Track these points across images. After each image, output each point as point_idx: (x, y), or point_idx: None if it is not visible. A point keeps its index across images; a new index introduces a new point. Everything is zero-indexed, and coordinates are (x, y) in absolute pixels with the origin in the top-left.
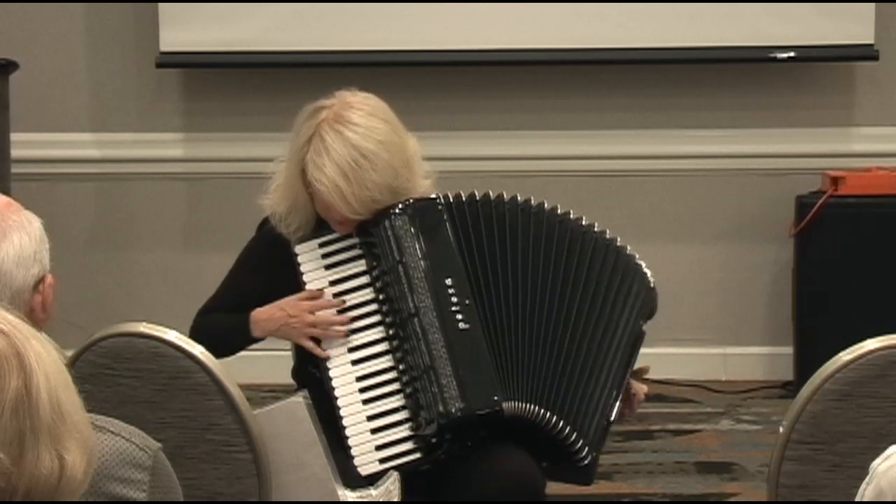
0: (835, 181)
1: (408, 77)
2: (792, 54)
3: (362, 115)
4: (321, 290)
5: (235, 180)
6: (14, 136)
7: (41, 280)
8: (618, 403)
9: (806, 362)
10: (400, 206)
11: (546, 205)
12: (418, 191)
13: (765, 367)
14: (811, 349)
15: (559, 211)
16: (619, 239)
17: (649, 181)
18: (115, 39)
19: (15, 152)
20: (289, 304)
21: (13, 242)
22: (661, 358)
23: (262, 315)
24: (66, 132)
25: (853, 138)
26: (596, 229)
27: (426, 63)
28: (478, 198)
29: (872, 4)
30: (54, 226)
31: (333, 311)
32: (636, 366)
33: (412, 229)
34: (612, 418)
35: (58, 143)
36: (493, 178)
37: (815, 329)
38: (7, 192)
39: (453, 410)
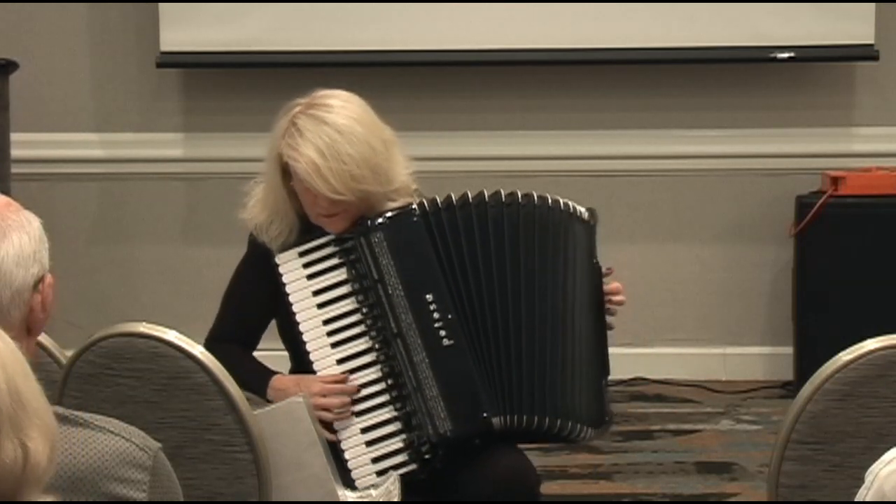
0: (835, 181)
1: (407, 77)
2: (792, 54)
3: (335, 100)
4: (345, 376)
5: (235, 180)
6: (14, 136)
7: (41, 280)
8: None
9: (806, 362)
10: (377, 220)
11: (519, 195)
12: (398, 179)
13: (765, 367)
14: (811, 349)
15: (536, 198)
16: (575, 209)
17: (649, 181)
18: (115, 39)
19: (15, 152)
20: (305, 381)
21: (13, 242)
22: (661, 358)
23: (279, 384)
24: (66, 132)
25: (853, 138)
26: (561, 206)
27: (426, 63)
28: (454, 201)
29: (872, 4)
30: (54, 226)
31: (346, 396)
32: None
33: (388, 245)
34: (607, 378)
35: (58, 143)
36: (493, 178)
37: (815, 329)
38: (7, 192)
39: (442, 432)
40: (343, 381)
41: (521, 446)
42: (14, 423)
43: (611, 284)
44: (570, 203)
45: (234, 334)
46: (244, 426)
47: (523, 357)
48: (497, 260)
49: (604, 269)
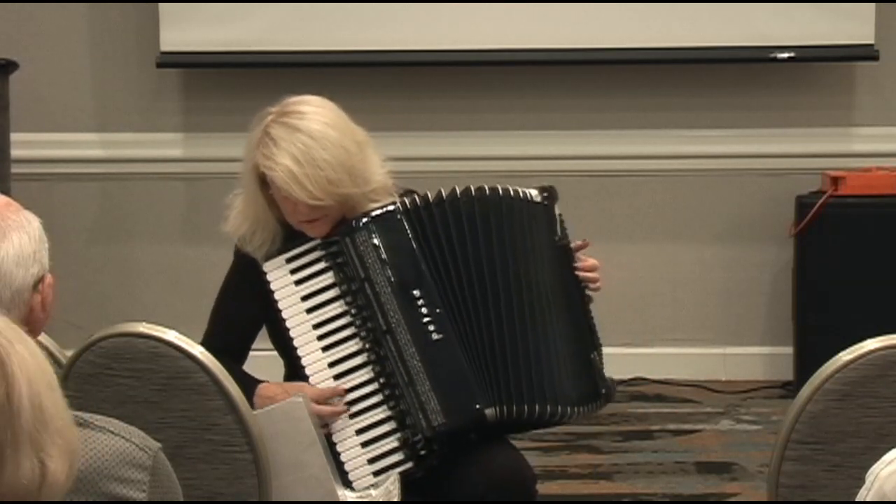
0: (835, 181)
1: (407, 77)
2: (792, 54)
3: (306, 106)
4: (334, 389)
5: (235, 180)
6: (14, 136)
7: (41, 280)
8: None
9: (806, 362)
10: (362, 220)
11: (486, 189)
12: (375, 179)
13: (765, 367)
14: (811, 349)
15: (500, 190)
16: (528, 194)
17: (649, 181)
18: (115, 39)
19: (15, 152)
20: (293, 388)
21: (13, 242)
22: (661, 358)
23: (266, 392)
24: (66, 132)
25: (853, 138)
26: (521, 195)
27: (426, 63)
28: (431, 199)
29: (872, 4)
30: (54, 226)
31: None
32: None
33: (374, 244)
34: (599, 352)
35: (58, 143)
36: (492, 178)
37: (815, 329)
38: (7, 192)
39: (436, 425)
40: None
41: (521, 445)
42: (34, 442)
43: (585, 262)
44: (523, 190)
45: (222, 347)
46: (244, 426)
47: (507, 347)
48: (474, 253)
49: (579, 242)
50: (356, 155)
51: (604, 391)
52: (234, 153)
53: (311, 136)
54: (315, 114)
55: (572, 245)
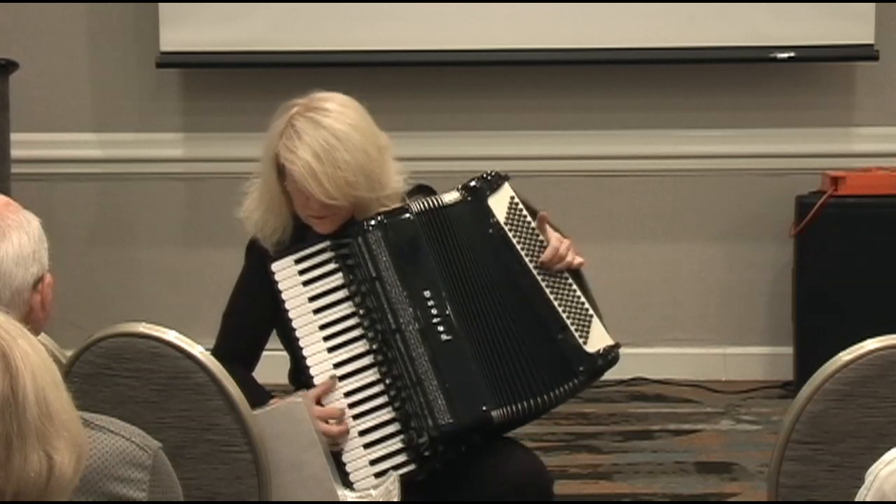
0: (835, 181)
1: (407, 77)
2: (792, 54)
3: (333, 103)
4: (341, 410)
5: (235, 180)
6: (14, 136)
7: (40, 279)
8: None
9: (806, 362)
10: (372, 221)
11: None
12: (391, 184)
13: (765, 367)
14: (811, 349)
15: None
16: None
17: (649, 181)
18: (115, 39)
19: (15, 152)
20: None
21: (12, 242)
22: (661, 358)
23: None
24: (66, 132)
25: (853, 138)
26: (434, 204)
27: (426, 63)
28: (445, 202)
29: (872, 4)
30: (54, 226)
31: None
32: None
33: (385, 244)
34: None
35: (58, 143)
36: None
37: (815, 329)
38: (7, 192)
39: (442, 425)
40: (341, 413)
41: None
42: (41, 435)
43: (550, 246)
44: (435, 198)
45: (234, 352)
46: (244, 426)
47: (500, 346)
48: (463, 256)
49: (542, 213)
50: (376, 160)
51: (581, 368)
52: (234, 153)
53: (335, 136)
54: (341, 114)
55: (533, 223)
